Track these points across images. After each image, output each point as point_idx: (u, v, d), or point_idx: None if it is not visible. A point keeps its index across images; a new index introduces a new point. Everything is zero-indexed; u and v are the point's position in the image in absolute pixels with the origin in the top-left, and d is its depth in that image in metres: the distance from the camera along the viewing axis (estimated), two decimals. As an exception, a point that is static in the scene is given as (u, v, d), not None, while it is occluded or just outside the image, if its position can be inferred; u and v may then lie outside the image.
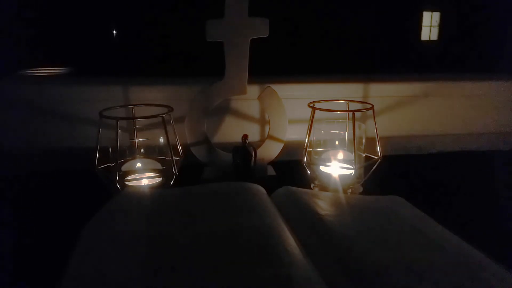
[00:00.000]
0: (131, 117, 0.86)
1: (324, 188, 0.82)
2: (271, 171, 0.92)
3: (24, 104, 0.99)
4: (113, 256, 0.46)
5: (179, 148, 0.84)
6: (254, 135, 1.06)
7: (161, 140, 0.80)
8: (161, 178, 0.80)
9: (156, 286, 0.40)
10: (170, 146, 0.76)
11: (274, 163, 0.94)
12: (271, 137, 0.92)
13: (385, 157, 0.83)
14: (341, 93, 1.01)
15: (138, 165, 0.82)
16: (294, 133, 0.95)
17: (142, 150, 0.83)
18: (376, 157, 0.83)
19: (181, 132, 0.87)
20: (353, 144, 0.78)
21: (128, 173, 0.79)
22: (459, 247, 0.51)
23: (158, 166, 0.82)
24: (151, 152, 0.83)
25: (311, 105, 0.82)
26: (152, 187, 0.78)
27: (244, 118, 1.06)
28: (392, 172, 0.90)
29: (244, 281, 0.41)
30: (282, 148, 0.92)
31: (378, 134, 0.83)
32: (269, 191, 0.68)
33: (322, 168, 0.83)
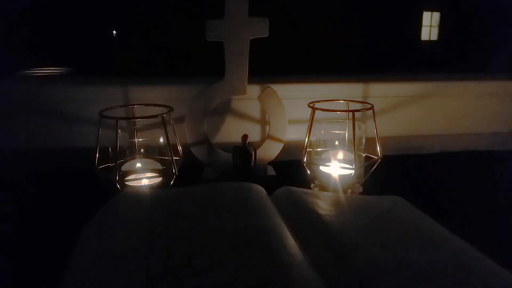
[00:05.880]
0: (131, 117, 0.86)
1: (324, 188, 0.82)
2: (271, 171, 0.92)
3: (24, 104, 0.99)
4: (113, 256, 0.46)
5: (179, 148, 0.84)
6: (254, 135, 1.06)
7: (161, 140, 0.80)
8: (161, 178, 0.80)
9: (156, 286, 0.40)
10: (170, 146, 0.76)
11: (274, 163, 0.94)
12: (271, 137, 0.92)
13: (385, 157, 0.83)
14: (341, 93, 1.01)
15: (138, 165, 0.81)
16: (294, 133, 0.95)
17: (142, 150, 0.83)
18: (376, 157, 0.83)
19: (181, 132, 0.87)
20: (353, 144, 0.78)
21: (128, 173, 0.79)
22: (459, 247, 0.51)
23: (158, 166, 0.82)
24: (151, 152, 0.83)
25: (311, 105, 0.82)
26: (152, 187, 0.78)
27: (244, 118, 1.06)
28: (392, 172, 0.90)
29: (244, 281, 0.41)
30: (282, 148, 0.92)
31: (378, 134, 0.83)
32: (269, 191, 0.68)
33: (322, 168, 0.83)
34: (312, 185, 0.86)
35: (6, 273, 0.57)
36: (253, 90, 0.96)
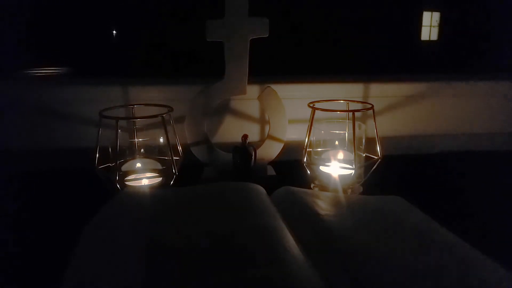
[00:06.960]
0: (131, 117, 0.85)
1: (324, 188, 0.82)
2: (271, 171, 0.92)
3: (24, 104, 0.99)
4: (113, 256, 0.46)
5: (179, 148, 0.84)
6: (254, 135, 1.06)
7: (161, 140, 0.80)
8: (161, 178, 0.80)
9: (156, 286, 0.40)
10: (170, 146, 0.76)
11: (274, 163, 0.94)
12: (271, 137, 0.92)
13: (385, 157, 0.83)
14: (341, 93, 1.01)
15: (138, 165, 0.81)
16: (294, 133, 0.95)
17: (142, 150, 0.83)
18: (376, 157, 0.83)
19: (181, 132, 0.87)
20: (353, 144, 0.78)
21: (128, 173, 0.79)
22: (459, 247, 0.51)
23: (158, 166, 0.82)
24: (151, 152, 0.83)
25: (311, 105, 0.82)
26: (152, 187, 0.78)
27: (244, 118, 1.06)
28: (392, 172, 0.90)
29: (244, 281, 0.41)
30: (282, 148, 0.92)
31: (378, 134, 0.83)
32: (269, 191, 0.68)
33: (322, 168, 0.83)
34: (312, 185, 0.86)
35: (7, 273, 0.57)
36: (253, 90, 0.96)
